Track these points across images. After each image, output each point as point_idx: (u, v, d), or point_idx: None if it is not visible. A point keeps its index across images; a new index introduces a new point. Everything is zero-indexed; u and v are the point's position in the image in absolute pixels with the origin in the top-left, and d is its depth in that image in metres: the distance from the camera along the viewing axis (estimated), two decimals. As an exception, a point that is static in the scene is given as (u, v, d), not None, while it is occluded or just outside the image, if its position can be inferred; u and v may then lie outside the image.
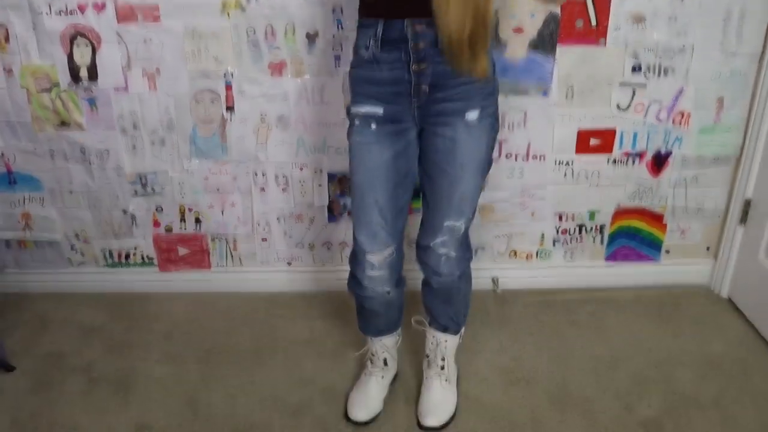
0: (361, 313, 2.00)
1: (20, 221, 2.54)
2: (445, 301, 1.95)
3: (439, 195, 1.73)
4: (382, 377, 2.07)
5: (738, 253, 2.44)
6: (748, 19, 2.14)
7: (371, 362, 2.07)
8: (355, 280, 1.85)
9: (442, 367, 2.02)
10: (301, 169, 2.41)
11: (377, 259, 1.77)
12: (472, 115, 1.63)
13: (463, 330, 2.07)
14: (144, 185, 2.45)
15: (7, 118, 2.33)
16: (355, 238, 1.78)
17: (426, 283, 1.95)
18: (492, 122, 1.70)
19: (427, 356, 2.06)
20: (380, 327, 2.01)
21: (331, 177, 2.42)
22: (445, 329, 2.01)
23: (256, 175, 2.42)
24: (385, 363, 2.07)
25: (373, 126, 1.65)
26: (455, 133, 1.64)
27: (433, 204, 1.76)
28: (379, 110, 1.64)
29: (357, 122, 1.68)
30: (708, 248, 2.56)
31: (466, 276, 1.93)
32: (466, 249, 1.85)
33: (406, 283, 1.94)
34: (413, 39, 1.55)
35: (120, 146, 2.37)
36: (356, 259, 1.81)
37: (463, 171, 1.67)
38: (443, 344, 2.02)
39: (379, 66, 1.61)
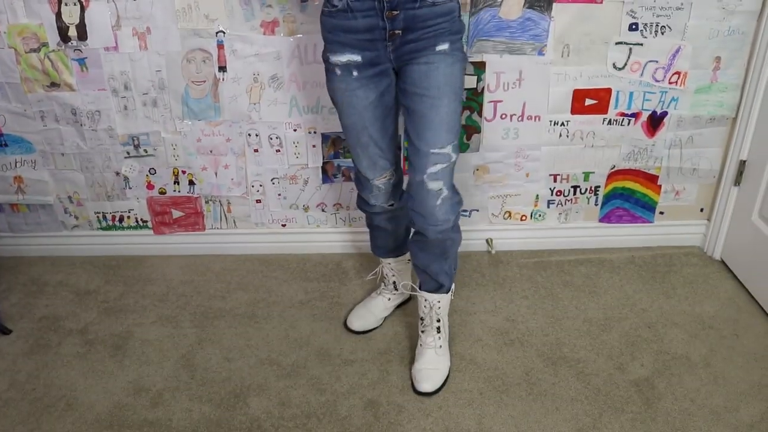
0: (371, 232, 2.18)
1: (12, 184, 2.53)
2: (441, 254, 1.94)
3: (422, 122, 1.75)
4: (389, 299, 2.28)
5: (732, 214, 2.45)
6: (747, -24, 2.12)
7: (383, 284, 2.29)
8: (362, 200, 2.03)
9: (438, 329, 2.04)
10: (295, 129, 2.39)
11: (380, 181, 1.93)
12: (443, 47, 1.71)
13: (453, 286, 2.07)
14: (136, 147, 2.43)
15: (-4, 79, 2.31)
16: (356, 166, 1.94)
17: (419, 239, 1.94)
18: (461, 56, 1.76)
19: (422, 320, 2.07)
20: (389, 245, 2.19)
21: (325, 138, 2.41)
22: (439, 287, 2.02)
23: (249, 136, 2.40)
24: (395, 287, 2.26)
25: (355, 73, 1.74)
26: (429, 60, 1.70)
27: (418, 133, 1.77)
28: (357, 57, 1.73)
29: (338, 71, 1.76)
30: (702, 209, 2.56)
31: (457, 226, 1.92)
32: (455, 192, 1.86)
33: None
34: None
35: (111, 107, 2.35)
36: (361, 183, 1.98)
37: (440, 92, 1.72)
38: (437, 305, 2.03)
39: (354, 15, 1.67)
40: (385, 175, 1.92)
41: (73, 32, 2.21)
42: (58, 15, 2.18)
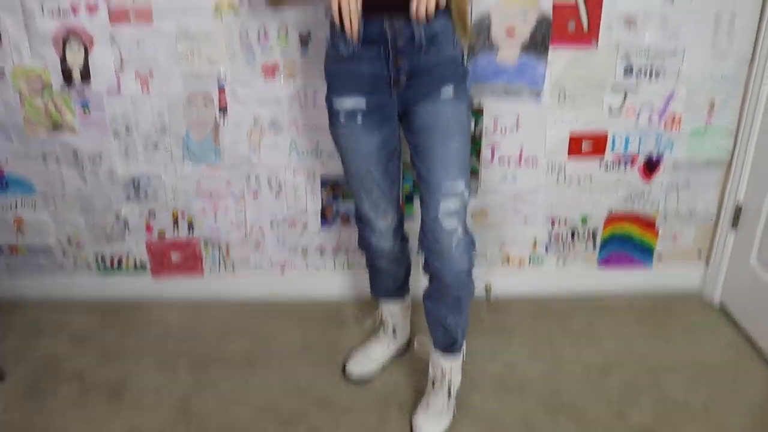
0: (371, 273, 2.18)
1: (12, 226, 2.53)
2: (456, 304, 1.86)
3: (432, 158, 1.75)
4: (388, 345, 2.25)
5: (729, 258, 2.45)
6: (738, 23, 2.16)
7: (382, 329, 2.26)
8: (363, 240, 2.04)
9: (449, 392, 1.98)
10: (294, 173, 2.41)
11: (383, 222, 1.95)
12: (448, 89, 1.73)
13: (464, 348, 1.99)
14: (137, 189, 2.44)
15: (-1, 120, 2.34)
16: (358, 209, 1.96)
17: (434, 287, 1.88)
18: (467, 98, 1.79)
19: (433, 383, 2.00)
20: (388, 286, 2.17)
21: (324, 182, 2.42)
22: (452, 344, 1.93)
23: (249, 179, 2.42)
24: (394, 332, 2.24)
25: (359, 118, 1.76)
26: (436, 102, 1.73)
27: (429, 169, 1.76)
28: (362, 103, 1.74)
29: (342, 116, 1.78)
30: (700, 253, 2.56)
31: (472, 274, 1.85)
32: (469, 233, 1.81)
33: (408, 240, 2.10)
34: (393, 37, 1.65)
35: (113, 150, 2.37)
36: (362, 223, 1.99)
37: (448, 129, 1.73)
38: (448, 371, 1.96)
39: (359, 61, 1.70)
40: (387, 216, 1.94)
41: (76, 75, 2.24)
42: (63, 58, 2.22)
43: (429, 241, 1.80)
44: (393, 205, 1.95)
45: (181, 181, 2.42)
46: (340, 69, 1.74)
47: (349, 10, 1.58)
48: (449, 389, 1.98)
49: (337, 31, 1.67)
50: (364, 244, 2.06)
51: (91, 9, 2.14)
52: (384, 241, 2.00)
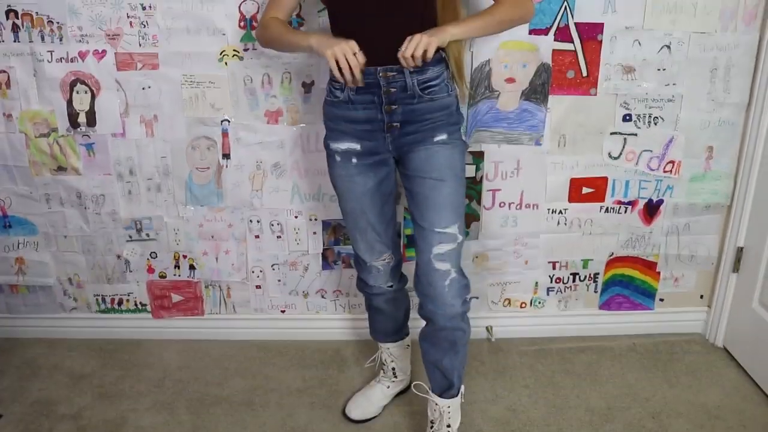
0: (370, 315, 2.18)
1: (13, 265, 2.54)
2: (451, 347, 1.87)
3: (425, 203, 1.78)
4: (388, 387, 2.24)
5: (732, 301, 2.44)
6: (735, 71, 2.20)
7: (382, 371, 2.25)
8: (361, 281, 2.05)
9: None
10: (296, 216, 2.42)
11: (380, 263, 1.97)
12: (441, 137, 1.76)
13: (463, 388, 1.99)
14: (139, 231, 2.45)
15: (4, 162, 2.36)
16: (355, 250, 1.99)
17: (429, 329, 1.90)
18: (461, 144, 1.81)
19: (432, 424, 2.00)
20: (388, 329, 2.18)
21: (326, 225, 2.43)
22: (449, 387, 1.93)
23: (251, 222, 2.43)
24: (395, 374, 2.23)
25: (354, 160, 1.81)
26: (428, 148, 1.76)
27: (422, 214, 1.79)
28: (357, 146, 1.80)
29: (338, 157, 1.83)
30: (702, 296, 2.56)
31: (467, 317, 1.87)
32: (463, 276, 1.83)
33: (407, 281, 2.10)
34: (385, 85, 1.70)
35: (116, 191, 2.39)
36: (360, 264, 2.02)
37: (441, 174, 1.76)
38: (447, 412, 1.96)
39: (354, 107, 1.76)
40: (383, 258, 1.96)
41: (82, 119, 2.27)
42: (70, 102, 2.25)
43: (422, 285, 1.82)
44: (389, 248, 1.96)
45: (183, 223, 2.43)
46: (336, 113, 1.80)
47: (349, 65, 1.59)
48: (448, 429, 1.97)
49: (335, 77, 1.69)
50: (361, 285, 2.07)
51: (99, 55, 2.19)
52: (381, 283, 2.00)
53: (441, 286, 1.79)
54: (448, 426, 1.97)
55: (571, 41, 2.15)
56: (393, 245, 1.98)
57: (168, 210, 2.42)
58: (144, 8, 2.12)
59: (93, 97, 2.24)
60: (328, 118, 1.84)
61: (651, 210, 2.40)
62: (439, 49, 1.67)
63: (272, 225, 2.43)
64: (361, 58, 1.59)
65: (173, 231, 2.45)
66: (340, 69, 1.60)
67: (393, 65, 1.67)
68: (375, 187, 1.84)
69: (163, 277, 2.54)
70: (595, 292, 2.55)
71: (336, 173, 1.86)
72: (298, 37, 1.75)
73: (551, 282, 2.53)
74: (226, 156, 2.32)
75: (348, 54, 1.58)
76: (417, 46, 1.58)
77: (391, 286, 2.03)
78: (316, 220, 2.42)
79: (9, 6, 2.13)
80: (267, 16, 1.88)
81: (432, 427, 1.99)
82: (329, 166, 1.88)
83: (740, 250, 2.37)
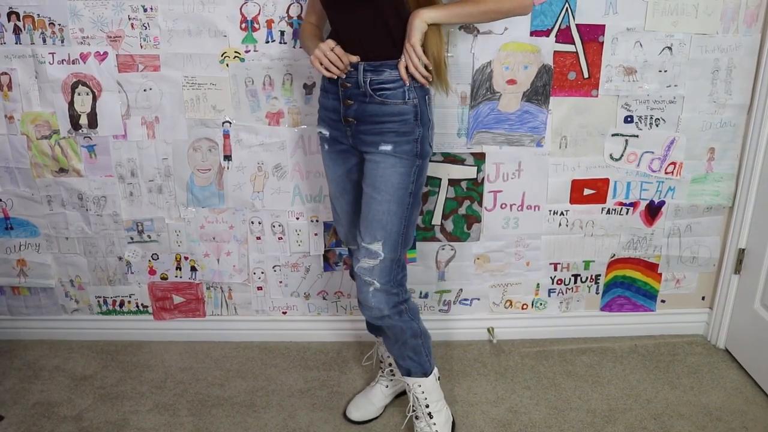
0: None
1: (15, 267, 2.54)
2: (394, 340, 1.95)
3: (362, 213, 1.84)
4: (387, 386, 2.23)
5: (734, 302, 2.44)
6: (736, 72, 2.20)
7: (381, 370, 2.25)
8: (351, 270, 1.99)
9: (431, 414, 2.02)
10: (297, 218, 2.42)
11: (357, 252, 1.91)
12: (385, 147, 1.78)
13: (435, 370, 2.05)
14: (140, 232, 2.45)
15: (6, 164, 2.36)
16: (340, 238, 2.10)
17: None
18: (411, 159, 1.79)
19: (413, 408, 2.05)
20: None
21: (327, 226, 2.43)
22: (408, 372, 2.00)
23: (252, 223, 2.43)
24: (392, 372, 2.21)
25: (326, 146, 1.94)
26: (373, 158, 1.80)
27: (360, 225, 1.85)
28: (326, 132, 1.90)
29: (319, 141, 1.99)
30: (703, 298, 2.56)
31: (409, 312, 1.92)
32: (395, 285, 1.86)
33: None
34: (342, 79, 1.77)
35: (117, 193, 2.39)
36: (349, 251, 2.09)
37: (375, 192, 1.78)
38: (417, 389, 2.01)
39: (327, 95, 1.86)
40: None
41: (84, 120, 2.27)
42: (71, 104, 2.25)
43: (356, 285, 1.89)
44: None
45: (184, 225, 2.44)
46: (320, 99, 1.92)
47: (330, 62, 1.73)
48: (429, 412, 2.02)
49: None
50: (351, 272, 1.99)
51: (100, 57, 2.19)
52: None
53: (365, 291, 1.85)
54: (427, 406, 2.02)
55: (573, 43, 2.15)
56: None
57: (169, 211, 2.42)
58: (145, 10, 2.13)
59: (94, 98, 2.24)
60: (319, 102, 1.96)
61: (652, 211, 2.40)
62: (398, 53, 1.73)
63: (273, 226, 2.43)
64: (338, 50, 1.72)
65: (174, 232, 2.45)
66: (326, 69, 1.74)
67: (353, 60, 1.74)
68: (344, 174, 1.93)
69: (164, 278, 2.54)
70: (597, 293, 2.55)
71: (321, 155, 1.98)
72: (311, 48, 1.87)
73: (553, 283, 2.52)
74: (228, 157, 2.33)
75: (326, 52, 1.72)
76: (411, 62, 1.69)
77: None
78: (317, 221, 2.43)
79: (11, 8, 2.14)
80: (304, 21, 2.02)
81: (414, 410, 2.06)
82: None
83: (742, 251, 2.37)
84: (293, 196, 2.39)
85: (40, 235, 2.49)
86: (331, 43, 1.72)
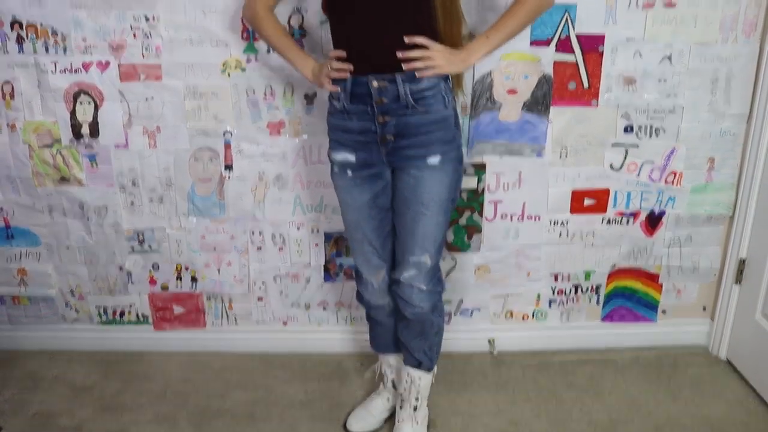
0: (370, 326, 2.18)
1: (15, 276, 2.54)
2: (420, 333, 1.99)
3: (404, 230, 1.85)
4: (388, 399, 2.22)
5: (735, 313, 2.43)
6: (735, 82, 2.21)
7: (382, 383, 2.25)
8: (360, 295, 2.06)
9: (416, 408, 2.06)
10: (298, 228, 2.42)
11: (374, 279, 1.96)
12: (434, 160, 1.76)
13: (435, 368, 2.10)
14: (141, 242, 2.45)
15: (8, 173, 2.36)
16: (354, 261, 2.00)
17: (401, 317, 1.99)
18: (455, 166, 1.81)
19: (401, 395, 2.09)
20: (387, 340, 2.16)
21: (328, 237, 2.43)
22: (419, 364, 2.04)
23: (252, 233, 2.43)
24: (394, 386, 2.22)
25: (350, 173, 1.83)
26: (419, 173, 1.77)
27: (400, 239, 1.88)
28: (351, 158, 1.81)
29: (336, 168, 1.86)
30: (704, 308, 2.55)
31: (438, 309, 1.99)
32: (436, 282, 1.93)
33: None
34: (377, 94, 1.70)
35: (118, 203, 2.39)
36: (358, 278, 2.02)
37: (424, 208, 1.78)
38: (417, 382, 2.06)
39: (350, 116, 1.77)
40: (379, 273, 1.96)
41: (85, 130, 2.28)
42: (73, 113, 2.26)
43: (395, 290, 1.93)
44: (386, 263, 1.96)
45: (185, 235, 2.44)
46: (334, 123, 1.84)
47: (330, 72, 1.73)
48: (416, 405, 2.06)
49: (335, 83, 1.76)
50: (359, 297, 2.07)
51: (102, 66, 2.20)
52: (377, 298, 2.01)
53: (408, 294, 1.89)
54: (417, 398, 2.06)
55: (573, 53, 2.16)
56: (389, 260, 1.98)
57: (170, 221, 2.42)
58: (147, 19, 2.14)
59: (96, 108, 2.25)
60: (329, 128, 1.87)
61: (653, 221, 2.40)
62: None
63: (274, 237, 2.43)
64: (339, 64, 1.71)
65: (175, 242, 2.45)
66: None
67: (385, 73, 1.68)
68: (370, 200, 1.85)
69: (165, 288, 2.53)
70: (598, 304, 2.54)
71: (336, 184, 1.89)
72: (297, 60, 1.88)
73: (553, 294, 2.52)
74: (229, 167, 2.33)
75: (331, 73, 1.73)
76: (425, 63, 1.66)
77: (388, 303, 2.03)
78: (318, 231, 2.43)
79: (14, 17, 2.15)
80: (256, 2, 1.89)
81: (401, 397, 2.10)
82: (331, 176, 1.90)
83: (743, 261, 2.37)
84: (294, 206, 2.39)
85: (41, 244, 2.48)
86: (332, 62, 1.73)
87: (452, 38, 1.76)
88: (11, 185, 2.38)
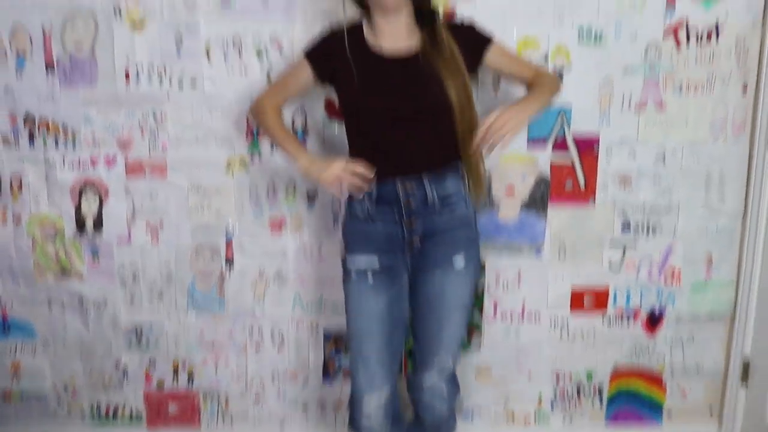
0: None
1: (9, 370, 2.49)
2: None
3: (429, 334, 1.81)
4: None
5: (743, 415, 2.37)
6: (728, 179, 2.26)
7: None
8: (354, 422, 1.91)
9: None
10: (298, 325, 2.40)
11: (374, 401, 1.83)
12: (459, 261, 1.77)
13: None
14: (139, 337, 2.43)
15: (9, 264, 2.37)
16: (353, 379, 1.87)
17: (417, 423, 1.94)
18: (476, 266, 1.83)
19: None
20: None
21: (327, 335, 2.41)
22: None
23: (251, 330, 2.41)
24: None
25: (370, 277, 1.77)
26: (445, 278, 1.76)
27: (423, 342, 1.84)
28: (375, 263, 1.77)
29: (354, 274, 1.79)
30: (711, 410, 2.49)
31: (454, 412, 1.96)
32: (454, 384, 1.90)
33: (404, 420, 2.00)
34: (405, 197, 1.72)
35: (118, 297, 2.38)
36: (354, 401, 1.88)
37: (450, 312, 1.77)
38: None
39: (374, 222, 1.76)
40: (382, 392, 1.85)
41: (89, 223, 2.31)
42: (78, 207, 2.30)
43: (414, 392, 1.89)
44: (389, 382, 1.85)
45: (183, 330, 2.41)
46: (356, 229, 1.80)
47: (349, 179, 1.72)
48: None
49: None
50: (354, 426, 1.92)
51: (110, 162, 2.26)
52: (376, 424, 1.87)
53: (429, 398, 1.86)
54: None
55: (569, 153, 2.22)
56: (394, 379, 1.88)
57: (169, 316, 2.41)
58: (156, 117, 2.21)
59: (101, 202, 2.29)
60: (347, 234, 1.84)
61: (654, 319, 2.38)
62: (455, 159, 1.75)
63: (273, 333, 2.41)
64: (359, 169, 1.70)
65: (173, 338, 2.42)
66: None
67: (413, 175, 1.71)
68: (386, 308, 1.79)
69: (160, 386, 2.48)
70: (601, 405, 2.48)
71: (350, 290, 1.83)
72: (291, 148, 1.85)
73: (555, 396, 2.46)
74: (230, 263, 2.34)
75: (346, 178, 1.71)
76: (503, 131, 1.61)
77: (384, 428, 1.89)
78: (317, 329, 2.41)
79: (27, 113, 2.22)
80: (266, 100, 1.94)
81: None
82: (344, 283, 1.85)
83: (747, 361, 2.33)
84: (294, 303, 2.38)
85: (38, 338, 2.46)
86: (346, 166, 1.72)
87: (469, 138, 1.75)
88: (11, 277, 2.39)
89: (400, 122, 1.70)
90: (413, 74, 1.71)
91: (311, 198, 2.27)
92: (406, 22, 1.74)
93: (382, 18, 1.73)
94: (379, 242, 1.76)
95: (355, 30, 1.78)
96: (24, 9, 2.16)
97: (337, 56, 1.76)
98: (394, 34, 1.74)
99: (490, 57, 1.81)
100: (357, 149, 1.79)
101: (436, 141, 1.73)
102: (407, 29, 1.75)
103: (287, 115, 2.17)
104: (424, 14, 1.76)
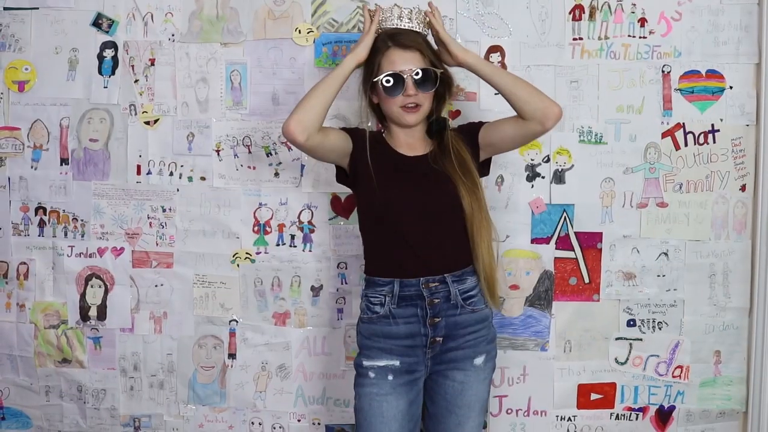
0: None
1: (-3, 466, 2.45)
2: None
3: None
4: None
5: None
6: (732, 276, 2.26)
7: None
8: None
9: None
10: (299, 420, 2.36)
11: None
12: (480, 360, 1.76)
13: None
14: (137, 429, 2.39)
15: (9, 352, 2.36)
16: None
17: None
18: (493, 365, 1.83)
19: None
20: None
21: (329, 430, 2.37)
22: None
23: (252, 424, 2.37)
24: None
25: (390, 378, 1.73)
26: (465, 377, 1.75)
27: None
28: (396, 363, 1.73)
29: (372, 374, 1.74)
30: None
31: None
32: None
33: None
34: (429, 296, 1.71)
35: (118, 387, 2.36)
36: None
37: (470, 411, 1.75)
38: None
39: (395, 321, 1.73)
40: None
41: (93, 312, 2.32)
42: (83, 295, 2.31)
43: None
44: None
45: (182, 423, 2.37)
46: (374, 329, 1.76)
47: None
48: None
49: (374, 288, 1.75)
50: None
51: (117, 252, 2.28)
52: None
53: None
54: None
55: (572, 249, 2.24)
56: None
57: (169, 408, 2.37)
58: (164, 210, 2.25)
59: (106, 291, 2.30)
60: (365, 336, 1.78)
61: (663, 417, 2.33)
62: (471, 258, 1.77)
63: (274, 428, 2.37)
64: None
65: (172, 430, 2.38)
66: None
67: (435, 275, 1.72)
68: (406, 409, 1.74)
69: (156, 483, 2.43)
70: (613, 508, 2.40)
71: (366, 392, 1.74)
72: (334, 71, 1.76)
73: (564, 498, 2.40)
74: (232, 356, 2.33)
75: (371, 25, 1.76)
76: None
77: None
78: (319, 424, 2.36)
79: (39, 203, 2.28)
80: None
81: None
82: (358, 386, 1.77)
83: (762, 463, 2.28)
84: (296, 397, 2.35)
85: (32, 427, 2.42)
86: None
87: (480, 239, 1.78)
88: (11, 364, 2.37)
89: (421, 219, 1.72)
90: (429, 171, 1.76)
91: (316, 291, 2.28)
92: (421, 132, 1.84)
93: (400, 130, 1.82)
94: (400, 342, 1.74)
95: (376, 135, 1.86)
96: (45, 106, 2.26)
97: (361, 151, 1.78)
98: (410, 143, 1.82)
99: (482, 132, 1.84)
100: (377, 251, 1.79)
101: (455, 239, 1.75)
102: (422, 138, 1.84)
103: (295, 209, 2.22)
104: (434, 124, 1.85)
